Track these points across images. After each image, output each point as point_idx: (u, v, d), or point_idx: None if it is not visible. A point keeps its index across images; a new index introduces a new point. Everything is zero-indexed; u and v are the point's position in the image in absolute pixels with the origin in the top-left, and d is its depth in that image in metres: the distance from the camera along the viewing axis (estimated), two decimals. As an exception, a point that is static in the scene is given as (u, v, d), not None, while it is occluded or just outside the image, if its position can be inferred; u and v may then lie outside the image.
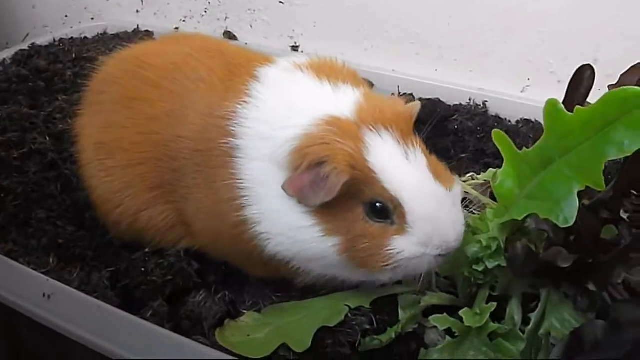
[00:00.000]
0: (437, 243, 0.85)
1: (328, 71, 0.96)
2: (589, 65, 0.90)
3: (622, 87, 0.75)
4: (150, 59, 1.08)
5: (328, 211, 0.86)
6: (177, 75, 1.02)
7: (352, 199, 0.86)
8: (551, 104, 0.82)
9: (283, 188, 0.84)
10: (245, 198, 0.90)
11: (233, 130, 0.92)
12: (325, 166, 0.82)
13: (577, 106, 0.79)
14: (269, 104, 0.93)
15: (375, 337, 0.90)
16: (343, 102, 0.90)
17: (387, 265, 0.86)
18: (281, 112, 0.90)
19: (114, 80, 1.09)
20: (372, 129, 0.86)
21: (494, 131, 0.89)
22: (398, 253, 0.85)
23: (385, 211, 0.86)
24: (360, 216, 0.86)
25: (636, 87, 0.75)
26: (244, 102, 0.93)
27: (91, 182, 1.08)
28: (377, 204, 0.85)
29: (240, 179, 0.90)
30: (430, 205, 0.85)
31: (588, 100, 0.93)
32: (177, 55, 1.06)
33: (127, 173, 1.03)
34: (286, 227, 0.89)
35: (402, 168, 0.86)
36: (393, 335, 0.91)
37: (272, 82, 0.96)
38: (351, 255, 0.87)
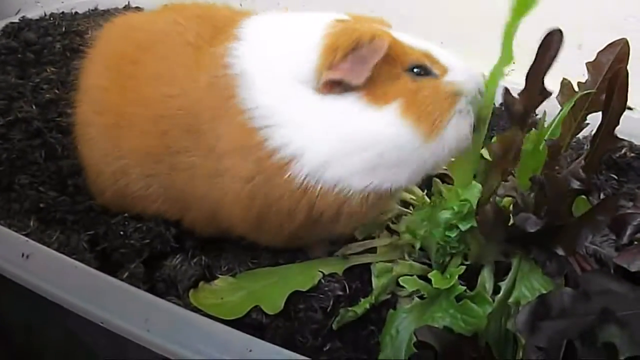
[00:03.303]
0: (475, 74, 0.93)
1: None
2: (558, 29, 0.89)
3: None
4: (141, 25, 1.08)
5: (375, 87, 0.85)
6: (166, 40, 1.00)
7: (394, 69, 0.86)
8: None
9: (323, 84, 0.84)
10: (266, 128, 0.85)
11: (229, 62, 0.89)
12: (361, 42, 0.83)
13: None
14: (268, 29, 0.94)
15: (350, 309, 0.91)
16: (337, 16, 0.92)
17: (451, 106, 0.87)
18: (285, 34, 0.92)
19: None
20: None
21: None
22: (453, 83, 0.88)
23: (426, 68, 0.88)
24: (408, 80, 0.86)
25: None
26: (237, 38, 0.92)
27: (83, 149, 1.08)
28: (417, 67, 0.87)
29: (254, 107, 0.86)
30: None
31: (558, 71, 0.93)
32: (166, 23, 1.04)
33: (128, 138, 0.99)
34: (331, 126, 0.85)
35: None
36: (367, 306, 0.92)
37: (265, 20, 0.97)
38: (412, 111, 0.85)
